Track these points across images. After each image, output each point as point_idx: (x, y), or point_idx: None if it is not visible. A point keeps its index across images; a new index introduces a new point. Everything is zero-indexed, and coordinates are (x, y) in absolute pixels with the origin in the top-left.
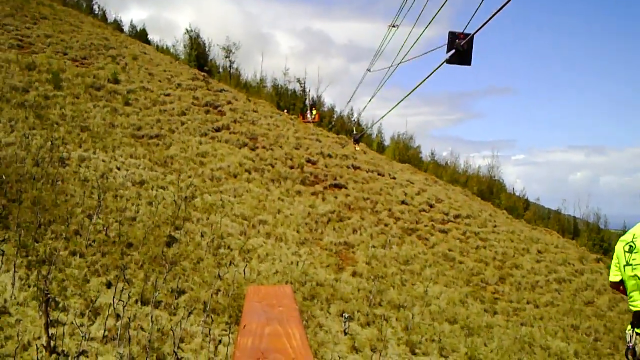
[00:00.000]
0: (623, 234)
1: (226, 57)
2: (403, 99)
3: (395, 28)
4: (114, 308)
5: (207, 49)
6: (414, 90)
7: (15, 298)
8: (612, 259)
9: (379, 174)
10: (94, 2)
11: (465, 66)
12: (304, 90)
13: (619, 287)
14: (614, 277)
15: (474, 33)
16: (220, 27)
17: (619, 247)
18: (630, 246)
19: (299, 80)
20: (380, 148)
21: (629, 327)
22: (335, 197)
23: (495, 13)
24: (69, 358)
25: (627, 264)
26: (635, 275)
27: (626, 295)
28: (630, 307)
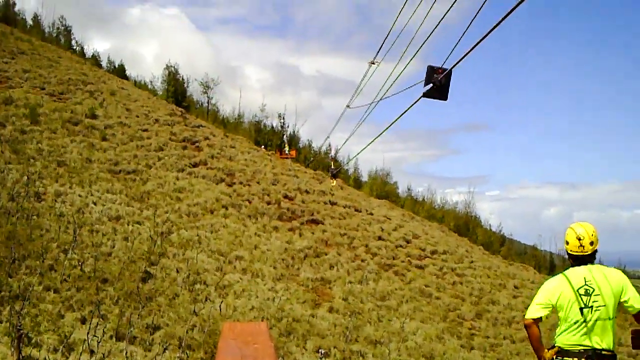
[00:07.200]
0: (553, 277)
1: (204, 92)
2: (381, 133)
3: (376, 65)
4: (89, 344)
5: (185, 85)
6: (392, 124)
7: None
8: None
9: (356, 210)
10: (72, 37)
11: (443, 102)
12: (282, 126)
13: (537, 324)
14: (541, 312)
15: (452, 67)
16: (187, 59)
17: (565, 290)
18: (587, 290)
19: (279, 115)
20: (358, 184)
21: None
22: (312, 233)
23: (472, 48)
24: None
25: (586, 306)
26: (599, 317)
27: (534, 334)
28: (574, 346)
